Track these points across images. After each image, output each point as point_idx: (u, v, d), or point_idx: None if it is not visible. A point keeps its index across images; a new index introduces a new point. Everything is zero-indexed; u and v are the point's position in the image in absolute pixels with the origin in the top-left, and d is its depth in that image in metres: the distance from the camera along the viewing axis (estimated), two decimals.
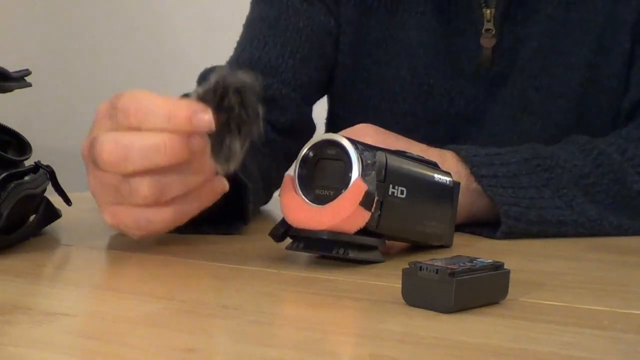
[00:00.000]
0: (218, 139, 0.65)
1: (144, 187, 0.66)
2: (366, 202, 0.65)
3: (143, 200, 0.66)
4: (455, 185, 0.75)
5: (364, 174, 0.66)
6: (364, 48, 1.05)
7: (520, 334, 0.52)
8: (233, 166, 0.67)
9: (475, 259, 0.57)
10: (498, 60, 1.01)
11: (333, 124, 1.13)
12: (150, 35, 2.23)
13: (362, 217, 0.66)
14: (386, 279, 0.63)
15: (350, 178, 0.65)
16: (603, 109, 1.03)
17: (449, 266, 0.54)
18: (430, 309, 0.54)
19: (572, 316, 0.57)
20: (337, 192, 0.66)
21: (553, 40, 1.01)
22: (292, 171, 0.69)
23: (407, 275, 0.56)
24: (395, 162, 0.68)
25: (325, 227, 0.65)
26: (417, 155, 0.73)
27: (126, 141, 0.64)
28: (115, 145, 0.64)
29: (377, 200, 0.66)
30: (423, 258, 0.57)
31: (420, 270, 0.55)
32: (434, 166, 0.74)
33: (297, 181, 0.68)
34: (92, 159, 0.66)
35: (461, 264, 0.55)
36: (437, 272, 0.54)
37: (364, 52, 1.05)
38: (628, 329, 0.53)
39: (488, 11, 1.00)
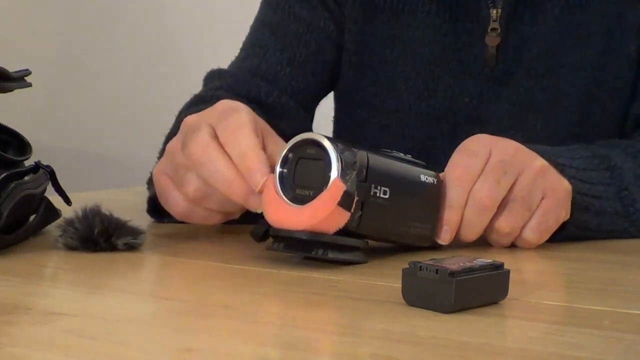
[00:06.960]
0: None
1: (192, 185, 0.73)
2: (345, 202, 0.65)
3: (185, 195, 0.74)
4: (442, 184, 0.74)
5: (343, 174, 0.65)
6: (370, 47, 1.05)
7: (520, 334, 0.52)
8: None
9: (475, 259, 0.57)
10: (502, 59, 1.01)
11: (340, 122, 1.13)
12: (152, 34, 2.23)
13: (342, 218, 0.65)
14: (386, 279, 0.63)
15: (329, 178, 0.65)
16: (608, 110, 1.03)
17: (449, 266, 0.54)
18: (430, 309, 0.54)
19: (572, 316, 0.57)
20: (317, 192, 0.65)
21: (559, 40, 1.01)
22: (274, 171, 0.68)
23: (407, 275, 0.56)
24: (377, 162, 0.67)
25: (304, 227, 0.65)
26: (404, 154, 0.72)
27: (213, 156, 0.71)
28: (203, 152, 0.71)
29: (357, 201, 0.66)
30: (423, 258, 0.57)
31: (420, 270, 0.55)
32: (421, 166, 0.73)
33: (277, 181, 0.67)
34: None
35: (461, 264, 0.55)
36: (437, 272, 0.54)
37: (370, 50, 1.05)
38: (628, 329, 0.53)
39: (494, 11, 1.00)
